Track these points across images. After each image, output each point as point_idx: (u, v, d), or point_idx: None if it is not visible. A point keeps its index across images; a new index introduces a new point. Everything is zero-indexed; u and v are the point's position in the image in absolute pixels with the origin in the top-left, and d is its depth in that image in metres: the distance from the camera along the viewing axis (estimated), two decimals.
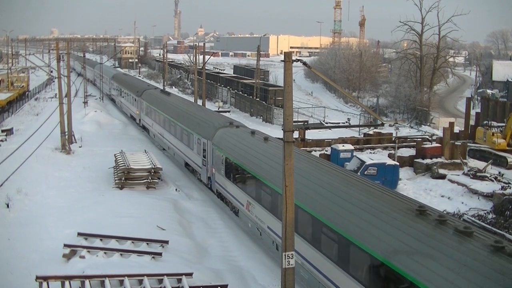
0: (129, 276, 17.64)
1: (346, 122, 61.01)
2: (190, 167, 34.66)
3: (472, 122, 51.07)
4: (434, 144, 40.90)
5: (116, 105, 69.55)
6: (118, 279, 17.59)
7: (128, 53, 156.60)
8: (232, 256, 22.40)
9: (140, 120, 51.24)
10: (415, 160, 38.96)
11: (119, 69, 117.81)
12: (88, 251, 20.10)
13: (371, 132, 49.06)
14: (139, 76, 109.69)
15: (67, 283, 17.06)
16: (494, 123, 46.00)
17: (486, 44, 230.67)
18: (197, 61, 73.82)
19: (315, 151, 39.38)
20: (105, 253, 20.14)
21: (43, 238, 22.41)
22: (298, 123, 51.59)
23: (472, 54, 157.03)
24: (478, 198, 31.60)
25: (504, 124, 44.71)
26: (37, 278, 16.95)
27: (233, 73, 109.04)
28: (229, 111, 67.00)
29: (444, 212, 24.81)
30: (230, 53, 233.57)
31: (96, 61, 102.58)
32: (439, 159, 38.23)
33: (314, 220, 17.48)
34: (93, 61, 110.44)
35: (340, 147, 38.10)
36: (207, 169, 30.20)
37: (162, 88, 69.81)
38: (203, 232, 24.95)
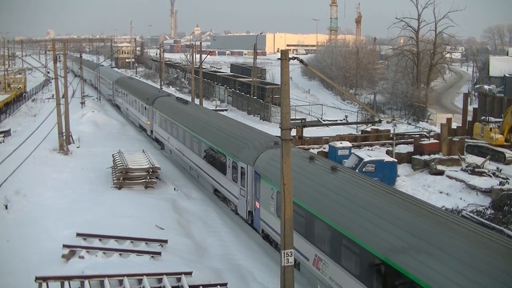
0: (128, 275, 17.63)
1: (344, 119, 61.04)
2: (221, 194, 28.46)
3: (469, 118, 51.09)
4: (432, 140, 40.91)
5: (121, 112, 62.79)
6: (117, 279, 17.57)
7: (125, 53, 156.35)
8: (231, 255, 22.40)
9: (152, 131, 44.89)
10: (413, 156, 39.00)
11: (122, 71, 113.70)
12: (87, 251, 20.07)
13: (368, 129, 49.06)
14: (136, 76, 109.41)
15: (66, 283, 17.05)
16: (492, 119, 46.11)
17: (482, 40, 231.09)
18: (194, 60, 73.76)
19: (313, 148, 39.38)
20: (104, 253, 20.12)
21: (42, 239, 22.37)
22: (296, 121, 51.57)
23: (469, 50, 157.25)
24: (477, 194, 31.64)
25: (501, 120, 44.79)
26: (37, 278, 16.93)
27: (230, 72, 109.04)
28: (226, 110, 67.00)
29: (443, 208, 24.87)
30: (227, 52, 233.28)
31: (96, 63, 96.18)
32: (437, 155, 38.28)
33: None
34: (93, 62, 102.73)
35: (338, 144, 38.11)
36: (247, 201, 23.97)
37: (177, 96, 60.48)
38: (202, 231, 24.95)
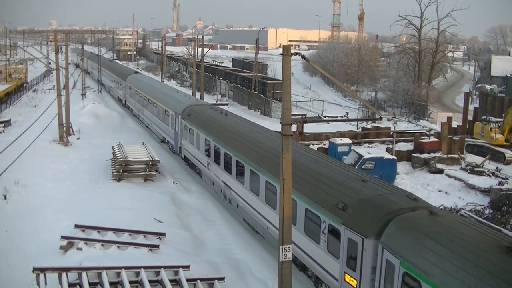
0: (126, 268, 17.66)
1: (344, 116, 61.02)
2: None
3: (470, 117, 51.05)
4: (432, 139, 40.90)
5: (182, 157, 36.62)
6: (115, 271, 17.60)
7: (127, 45, 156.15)
8: (229, 248, 22.43)
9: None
10: (412, 154, 38.98)
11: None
12: (85, 243, 20.11)
13: (369, 126, 49.04)
14: (138, 68, 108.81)
15: (64, 275, 17.05)
16: (492, 118, 46.06)
17: (485, 39, 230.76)
18: (196, 54, 73.58)
19: (313, 144, 39.37)
20: (102, 245, 20.15)
21: (41, 230, 22.40)
22: (296, 117, 51.54)
23: (471, 49, 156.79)
24: (476, 193, 31.64)
25: (502, 119, 44.75)
26: (34, 269, 16.95)
27: (232, 66, 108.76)
28: (227, 104, 66.87)
29: (441, 206, 24.88)
30: (229, 46, 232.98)
31: (130, 68, 73.31)
32: (436, 154, 38.26)
33: None
34: (121, 66, 74.99)
35: (338, 141, 38.11)
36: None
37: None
38: (201, 225, 24.97)
